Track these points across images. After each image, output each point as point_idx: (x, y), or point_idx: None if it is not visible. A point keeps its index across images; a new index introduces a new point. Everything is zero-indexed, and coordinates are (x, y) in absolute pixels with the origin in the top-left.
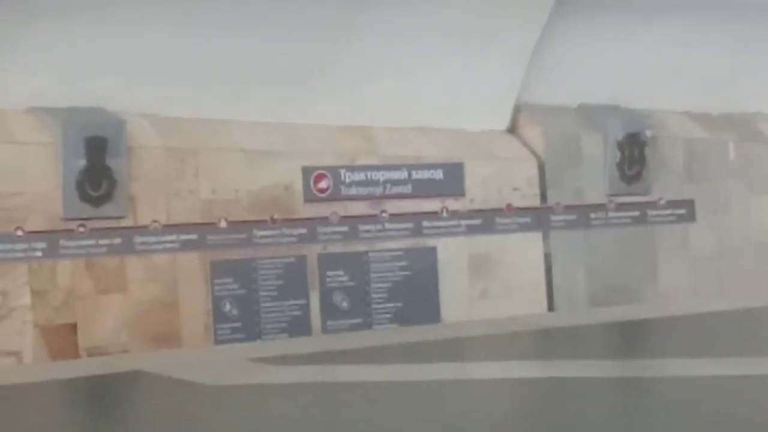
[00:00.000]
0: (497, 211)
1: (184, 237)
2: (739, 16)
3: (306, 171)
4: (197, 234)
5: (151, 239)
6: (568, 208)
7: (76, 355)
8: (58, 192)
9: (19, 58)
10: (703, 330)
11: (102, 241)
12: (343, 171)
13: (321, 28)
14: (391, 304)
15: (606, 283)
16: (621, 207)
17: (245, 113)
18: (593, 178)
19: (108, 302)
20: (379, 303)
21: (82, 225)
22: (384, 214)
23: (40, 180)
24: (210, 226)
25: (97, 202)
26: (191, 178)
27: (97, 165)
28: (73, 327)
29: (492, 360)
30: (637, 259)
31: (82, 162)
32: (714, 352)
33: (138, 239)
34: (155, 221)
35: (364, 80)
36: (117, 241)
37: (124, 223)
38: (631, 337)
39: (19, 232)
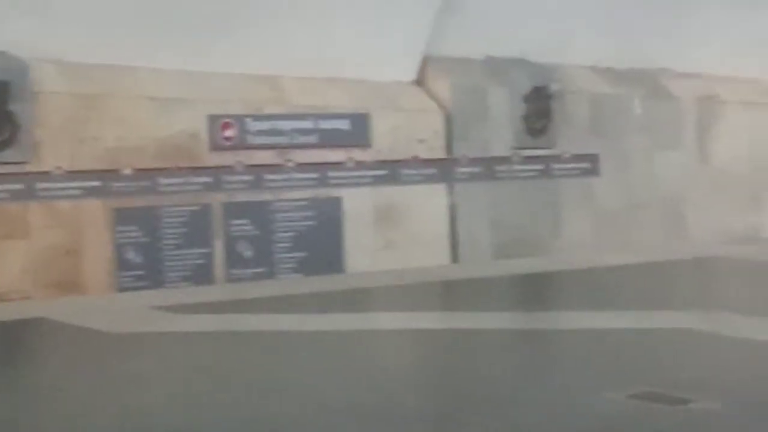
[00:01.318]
0: (403, 162)
1: (87, 184)
2: None
3: (212, 119)
4: (101, 181)
5: (55, 185)
6: (474, 161)
7: None
8: None
9: None
10: (605, 283)
11: (4, 187)
12: (249, 120)
13: None
14: (296, 254)
15: (510, 235)
16: (526, 160)
17: (153, 60)
18: (499, 131)
19: (10, 248)
20: (283, 252)
21: None
22: (290, 164)
23: None
24: (114, 173)
25: None
26: (97, 125)
27: None
28: None
29: (395, 311)
30: (542, 212)
31: None
32: (615, 305)
33: (41, 185)
34: (59, 167)
35: (272, 30)
36: (19, 186)
37: (27, 168)
38: (534, 290)
39: None
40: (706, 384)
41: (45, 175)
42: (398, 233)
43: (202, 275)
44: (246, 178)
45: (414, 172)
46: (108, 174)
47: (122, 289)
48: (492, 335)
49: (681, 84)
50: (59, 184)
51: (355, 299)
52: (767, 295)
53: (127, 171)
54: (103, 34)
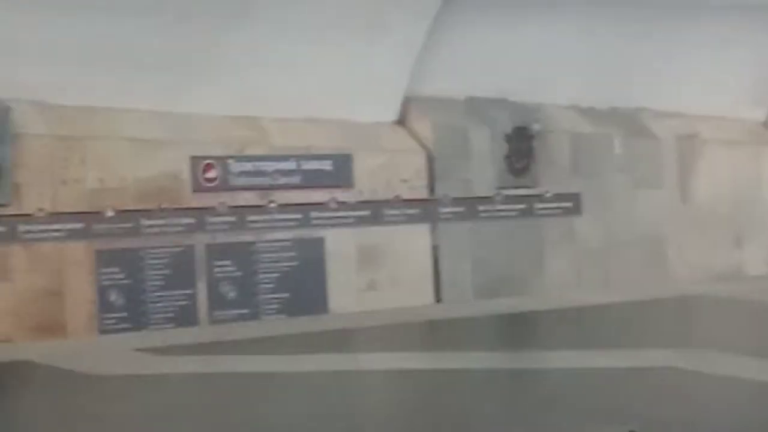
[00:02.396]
0: (385, 203)
1: (70, 226)
2: (625, 13)
3: (194, 160)
4: (83, 223)
5: (37, 228)
6: (456, 200)
7: None
8: None
9: None
10: (588, 322)
11: None
12: (231, 161)
13: (213, 17)
14: (279, 295)
15: (493, 274)
16: (508, 199)
17: (133, 101)
18: (481, 171)
19: None
20: (266, 293)
21: None
22: (272, 205)
23: None
24: (96, 215)
25: None
26: (78, 167)
27: None
28: None
29: (379, 351)
30: (524, 251)
31: None
32: (601, 343)
33: (22, 227)
34: (41, 209)
35: (254, 70)
36: (1, 229)
37: (8, 211)
38: (519, 329)
39: None
40: (693, 423)
41: (27, 218)
42: (381, 273)
43: (185, 317)
44: (229, 219)
45: (396, 212)
46: (90, 216)
47: (104, 332)
48: (479, 375)
49: (661, 123)
50: (41, 226)
51: (340, 340)
52: (751, 333)
53: (110, 212)
54: (82, 74)
